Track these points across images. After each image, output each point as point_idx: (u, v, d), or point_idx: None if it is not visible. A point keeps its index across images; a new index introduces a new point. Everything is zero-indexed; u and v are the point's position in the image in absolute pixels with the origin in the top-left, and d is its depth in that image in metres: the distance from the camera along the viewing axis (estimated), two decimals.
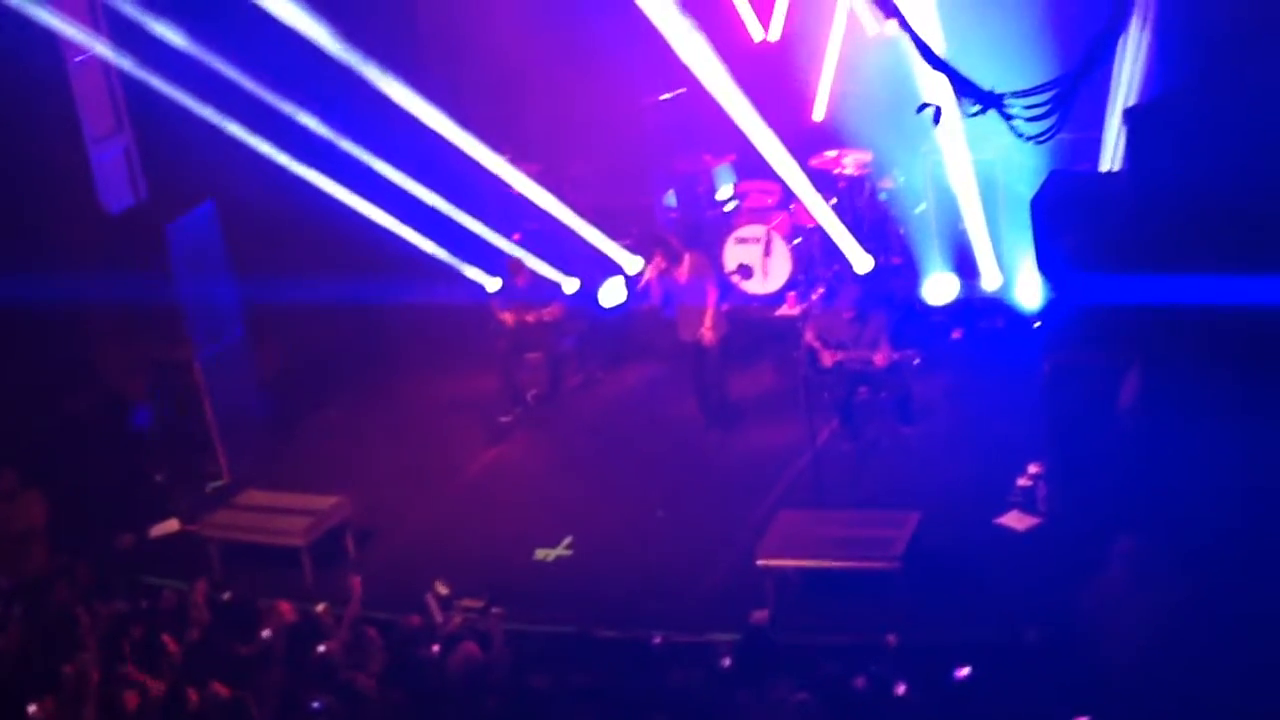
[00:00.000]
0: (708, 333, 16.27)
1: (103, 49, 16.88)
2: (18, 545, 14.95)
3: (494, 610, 13.13)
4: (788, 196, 18.70)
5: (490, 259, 18.73)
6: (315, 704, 11.36)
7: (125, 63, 16.80)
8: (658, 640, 12.35)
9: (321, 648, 12.17)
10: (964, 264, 17.71)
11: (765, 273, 18.40)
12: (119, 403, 17.00)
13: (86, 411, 16.85)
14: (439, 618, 12.99)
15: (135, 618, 13.10)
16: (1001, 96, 12.15)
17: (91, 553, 15.01)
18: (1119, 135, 15.37)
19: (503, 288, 17.76)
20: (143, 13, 16.26)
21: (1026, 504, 14.12)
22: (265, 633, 12.53)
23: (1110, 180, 15.05)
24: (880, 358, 15.30)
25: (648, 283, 16.65)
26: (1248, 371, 11.89)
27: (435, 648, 12.35)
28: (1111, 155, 15.79)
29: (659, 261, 16.46)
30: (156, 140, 17.58)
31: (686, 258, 16.45)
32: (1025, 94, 12.08)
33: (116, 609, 13.27)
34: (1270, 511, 11.81)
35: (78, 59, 17.03)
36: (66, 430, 16.51)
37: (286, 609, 12.76)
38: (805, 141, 18.93)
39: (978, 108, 12.30)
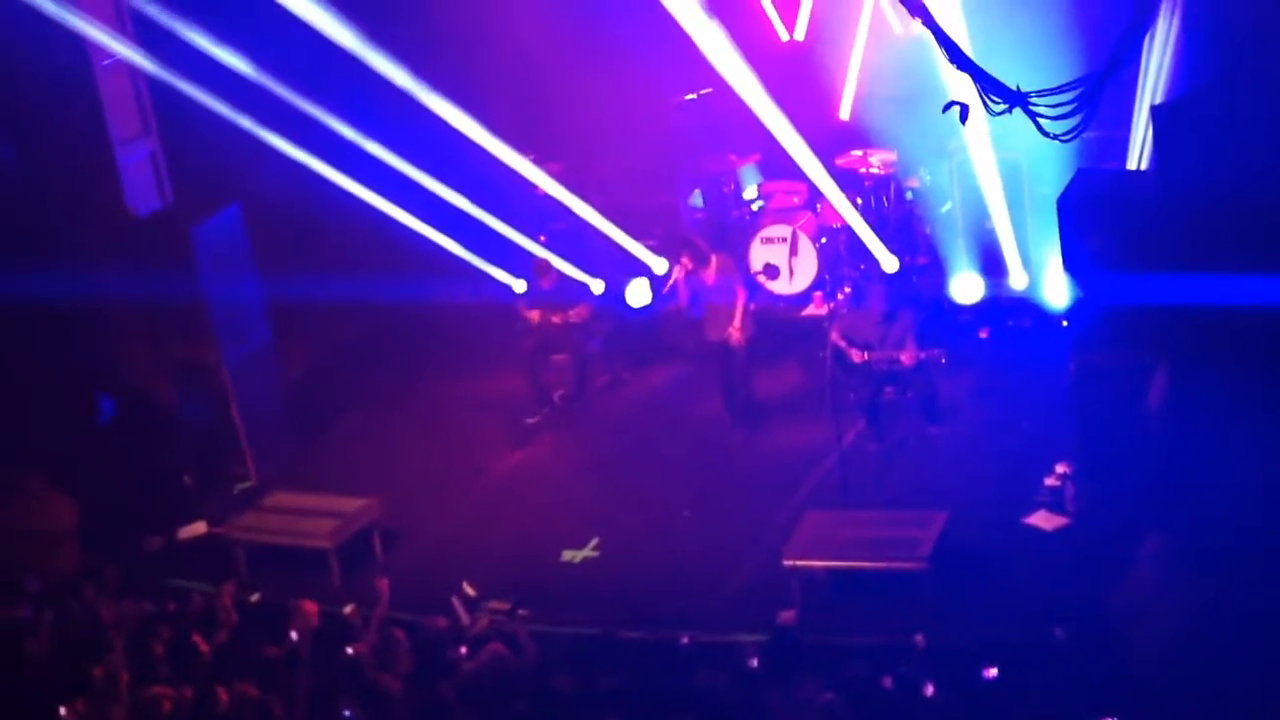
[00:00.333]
0: (735, 333, 16.25)
1: (129, 52, 16.92)
2: (47, 547, 14.99)
3: (520, 612, 13.13)
4: (814, 196, 18.69)
5: (516, 260, 18.73)
6: (346, 713, 11.36)
7: (151, 66, 16.84)
8: (685, 641, 12.34)
9: (350, 649, 12.18)
10: (990, 263, 17.67)
11: (791, 272, 18.40)
12: (147, 404, 17.04)
13: (115, 414, 16.88)
14: (465, 620, 12.98)
15: (164, 620, 13.12)
16: (1027, 95, 12.08)
17: (120, 555, 15.06)
18: (1146, 133, 15.33)
19: (529, 289, 17.75)
20: (169, 16, 16.29)
21: (1054, 504, 14.08)
22: (293, 634, 12.55)
23: (1137, 179, 15.01)
24: (907, 357, 15.27)
25: (675, 284, 16.64)
26: (1275, 371, 11.84)
27: (463, 649, 12.34)
28: (1138, 153, 15.75)
29: (686, 262, 16.44)
30: (182, 143, 17.62)
31: (713, 259, 16.44)
32: (1051, 92, 12.00)
33: (145, 611, 13.29)
34: None
35: (104, 62, 17.07)
36: (94, 432, 16.56)
37: (310, 609, 12.77)
38: (831, 141, 18.94)
39: (1003, 106, 12.23)
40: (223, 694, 11.55)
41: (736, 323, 16.25)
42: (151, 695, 11.61)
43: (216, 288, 16.39)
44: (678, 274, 16.52)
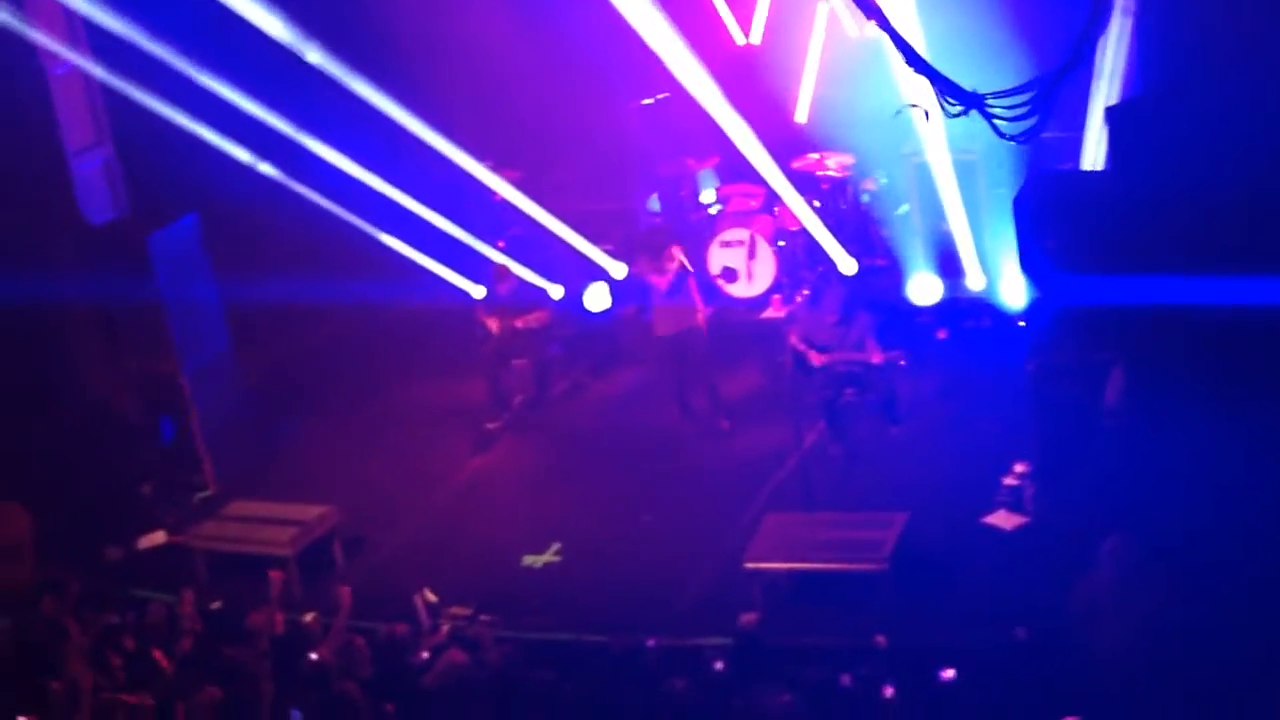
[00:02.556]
0: (701, 317, 16.39)
1: (83, 61, 16.85)
2: (4, 558, 14.90)
3: (482, 618, 13.10)
4: (771, 199, 18.73)
5: (475, 266, 18.73)
6: (296, 713, 11.33)
7: (106, 75, 16.77)
8: (650, 644, 12.33)
9: (314, 656, 12.14)
10: (948, 264, 17.73)
11: (750, 276, 18.43)
12: (105, 415, 16.97)
13: (72, 424, 16.80)
14: (425, 622, 12.95)
15: (124, 631, 13.05)
16: (983, 97, 12.13)
17: (79, 565, 14.98)
18: (1101, 134, 15.41)
19: (488, 294, 17.74)
20: (123, 24, 16.23)
21: (1013, 503, 14.14)
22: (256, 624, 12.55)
23: (1092, 179, 15.08)
24: (876, 358, 15.33)
25: (679, 273, 16.62)
26: (1231, 370, 11.90)
27: (424, 655, 12.31)
28: (1093, 155, 15.83)
29: (676, 253, 16.57)
30: (138, 152, 17.55)
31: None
32: (1007, 94, 12.06)
33: (105, 622, 13.22)
34: (1254, 509, 11.83)
35: (58, 71, 16.99)
36: (52, 443, 16.47)
37: (279, 617, 12.77)
38: (788, 144, 18.98)
39: (959, 108, 12.28)
40: (181, 708, 11.50)
41: (700, 306, 16.36)
42: (111, 704, 11.55)
43: (174, 296, 16.33)
44: (677, 262, 16.53)
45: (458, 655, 12.10)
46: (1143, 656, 10.97)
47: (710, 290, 18.25)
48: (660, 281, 16.42)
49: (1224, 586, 11.37)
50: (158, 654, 12.37)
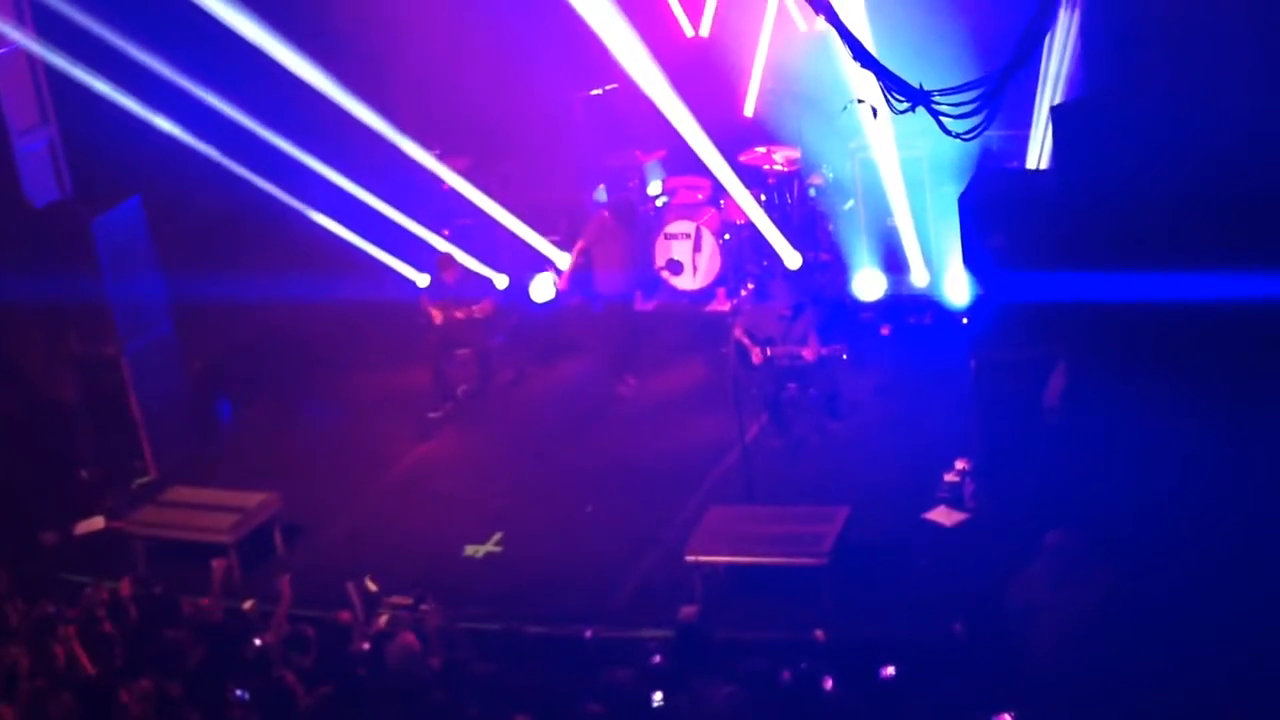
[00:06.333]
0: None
1: (28, 41, 16.72)
2: None
3: (423, 607, 13.06)
4: (717, 192, 18.75)
5: (420, 255, 18.68)
6: (239, 692, 11.29)
7: (50, 55, 16.64)
8: (588, 635, 12.34)
9: (257, 641, 12.09)
10: (892, 260, 17.79)
11: (695, 268, 18.46)
12: (44, 397, 16.83)
13: (10, 406, 16.67)
14: (360, 611, 12.91)
15: (60, 617, 12.95)
16: (930, 93, 12.21)
17: (15, 551, 14.86)
18: (1045, 133, 15.49)
19: (432, 284, 17.70)
20: (67, 5, 16.11)
21: (954, 500, 14.20)
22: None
23: (1037, 178, 15.16)
24: (809, 353, 15.36)
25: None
26: (1171, 368, 11.99)
27: (365, 645, 12.27)
28: (1038, 153, 15.90)
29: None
30: (82, 134, 17.41)
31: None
32: (953, 91, 12.14)
33: (42, 609, 13.11)
34: (1194, 506, 11.92)
35: (2, 51, 16.85)
36: None
37: (209, 604, 12.71)
38: (735, 137, 19.01)
39: (906, 104, 12.35)
40: (121, 693, 11.43)
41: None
42: (41, 693, 11.47)
43: (116, 280, 16.21)
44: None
45: (410, 637, 12.03)
46: (1078, 654, 11.04)
47: (654, 282, 18.32)
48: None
49: (1162, 583, 11.46)
50: (95, 640, 12.28)
